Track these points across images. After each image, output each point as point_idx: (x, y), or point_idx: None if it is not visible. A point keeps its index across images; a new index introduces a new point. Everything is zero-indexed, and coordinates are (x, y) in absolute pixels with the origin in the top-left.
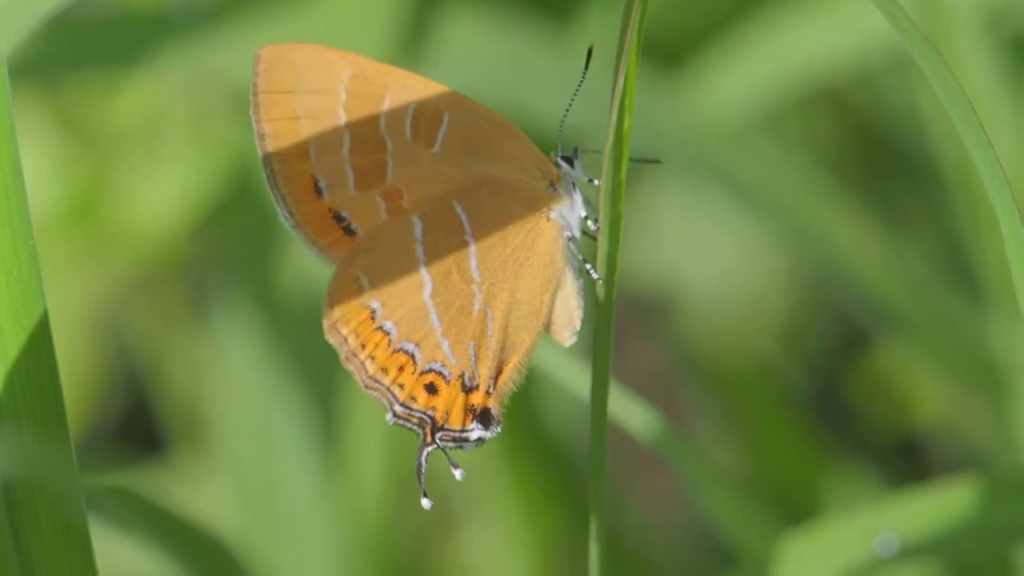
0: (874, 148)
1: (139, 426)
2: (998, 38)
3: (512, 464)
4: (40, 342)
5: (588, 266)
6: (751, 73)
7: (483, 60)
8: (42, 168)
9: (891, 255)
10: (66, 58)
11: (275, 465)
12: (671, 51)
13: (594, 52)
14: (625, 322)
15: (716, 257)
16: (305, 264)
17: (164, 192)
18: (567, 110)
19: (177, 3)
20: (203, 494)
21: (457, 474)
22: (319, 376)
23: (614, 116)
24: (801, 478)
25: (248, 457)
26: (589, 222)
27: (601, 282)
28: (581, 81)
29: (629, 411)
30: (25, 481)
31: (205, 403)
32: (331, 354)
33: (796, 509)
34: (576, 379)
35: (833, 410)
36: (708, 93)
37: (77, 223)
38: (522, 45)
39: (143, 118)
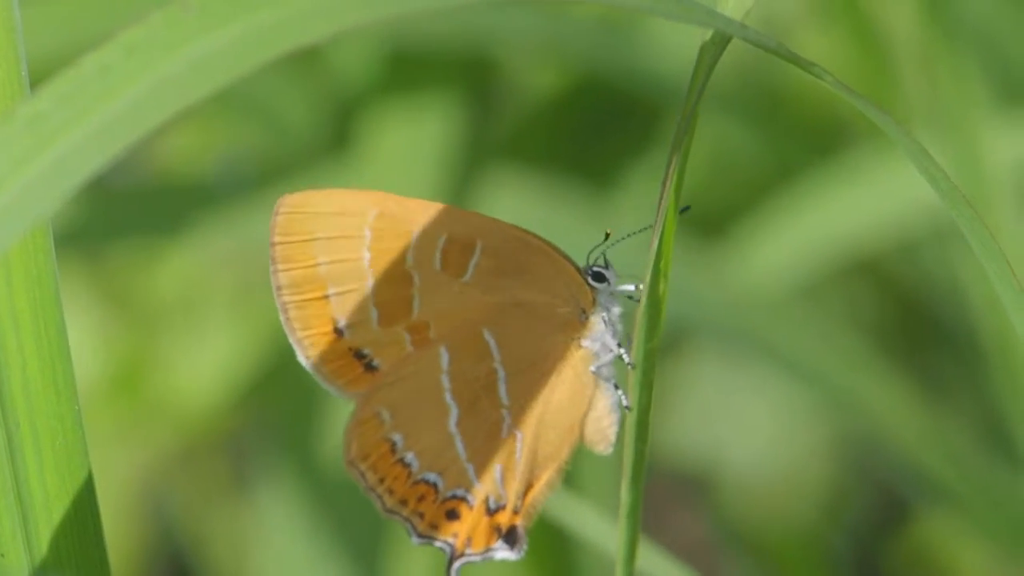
0: (914, 318)
1: None
2: None
3: None
4: (85, 506)
5: (620, 393)
6: (791, 243)
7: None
8: (84, 339)
9: (931, 425)
10: (107, 228)
11: None
12: (712, 221)
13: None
14: (665, 494)
15: (756, 427)
16: None
17: (206, 363)
18: (599, 245)
19: (218, 171)
20: None
21: None
22: (363, 545)
23: (647, 279)
24: None
25: None
26: (624, 355)
27: (630, 449)
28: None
29: None
30: None
31: (248, 574)
32: (375, 522)
33: None
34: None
35: None
36: (748, 262)
37: (119, 394)
38: (563, 213)
39: (185, 288)
